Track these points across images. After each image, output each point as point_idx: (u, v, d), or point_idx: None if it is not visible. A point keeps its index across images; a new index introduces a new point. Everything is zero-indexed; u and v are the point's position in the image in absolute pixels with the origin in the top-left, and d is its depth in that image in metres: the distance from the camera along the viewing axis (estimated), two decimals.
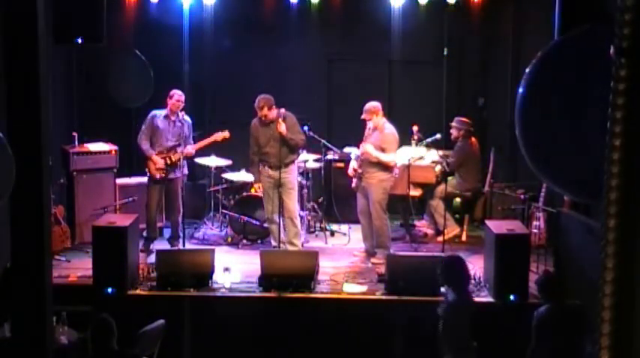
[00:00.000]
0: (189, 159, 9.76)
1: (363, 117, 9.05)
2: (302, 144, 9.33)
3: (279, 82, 10.58)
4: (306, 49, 11.21)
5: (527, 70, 3.22)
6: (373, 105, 9.05)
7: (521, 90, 3.20)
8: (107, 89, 10.40)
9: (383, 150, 8.98)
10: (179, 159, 9.39)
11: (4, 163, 4.15)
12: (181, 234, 9.41)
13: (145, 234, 9.48)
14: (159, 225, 9.81)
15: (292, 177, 9.27)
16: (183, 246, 9.28)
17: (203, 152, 10.35)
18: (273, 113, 9.09)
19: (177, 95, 9.32)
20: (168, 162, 9.34)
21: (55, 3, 7.31)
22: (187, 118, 9.49)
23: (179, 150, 9.35)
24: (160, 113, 9.39)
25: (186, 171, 9.62)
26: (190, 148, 9.47)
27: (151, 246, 9.32)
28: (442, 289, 7.02)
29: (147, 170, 9.45)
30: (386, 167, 9.02)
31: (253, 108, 9.13)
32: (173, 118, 9.37)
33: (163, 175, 9.35)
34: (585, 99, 2.95)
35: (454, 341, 6.38)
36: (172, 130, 9.40)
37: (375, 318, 7.91)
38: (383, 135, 9.02)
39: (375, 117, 9.01)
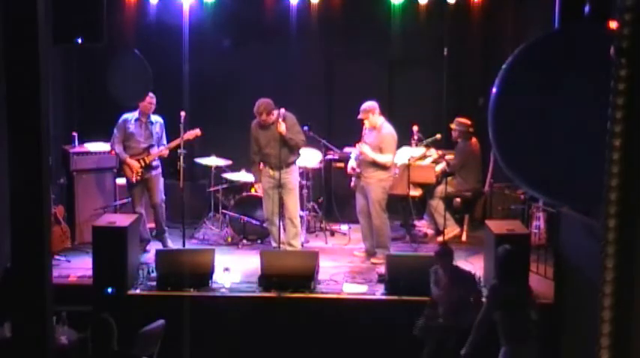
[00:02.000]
0: (163, 158, 9.67)
1: (359, 117, 9.06)
2: (302, 145, 9.33)
3: (279, 81, 10.57)
4: (306, 49, 11.21)
5: (503, 68, 3.16)
6: (369, 104, 9.06)
7: (495, 89, 3.14)
8: (107, 89, 10.39)
9: (380, 149, 8.98)
10: (153, 160, 9.42)
11: None
12: (166, 228, 9.48)
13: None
14: (149, 225, 9.80)
15: (293, 177, 9.27)
16: (183, 246, 9.28)
17: (203, 152, 10.36)
18: (272, 116, 9.10)
19: (149, 97, 9.35)
20: (143, 164, 9.36)
21: (55, 3, 7.29)
22: (159, 118, 9.53)
23: (152, 151, 9.38)
24: (130, 116, 9.43)
25: (160, 169, 9.59)
26: (164, 149, 9.48)
27: (147, 247, 9.34)
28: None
29: (123, 174, 9.48)
30: (384, 168, 9.03)
31: (253, 108, 9.13)
32: (144, 120, 9.41)
33: (139, 178, 9.37)
34: (560, 100, 2.92)
35: (509, 333, 6.44)
36: (144, 133, 9.44)
37: (375, 318, 7.90)
38: (381, 135, 9.02)
39: (372, 117, 9.02)
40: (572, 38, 3.05)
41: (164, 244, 9.41)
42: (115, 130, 9.46)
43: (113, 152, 9.90)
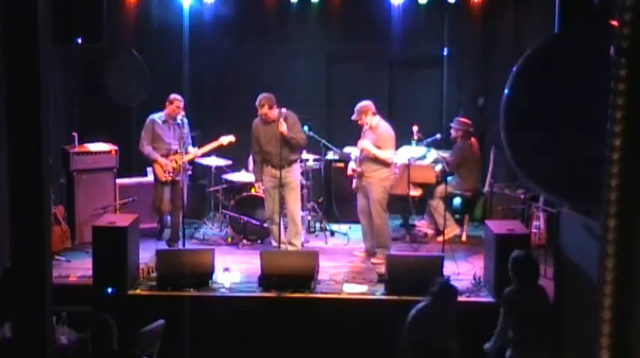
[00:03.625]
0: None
1: (353, 118, 9.02)
2: (303, 144, 9.32)
3: (279, 81, 10.58)
4: (306, 49, 11.21)
5: (514, 70, 3.18)
6: (362, 105, 9.02)
7: (506, 91, 3.15)
8: (105, 89, 10.40)
9: (379, 148, 8.98)
10: (185, 163, 9.43)
11: None
12: (180, 235, 9.42)
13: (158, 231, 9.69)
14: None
15: (295, 176, 9.28)
16: (183, 246, 9.28)
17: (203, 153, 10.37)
18: (274, 112, 9.08)
19: (178, 101, 9.32)
20: (175, 165, 9.35)
21: (55, 3, 7.30)
22: (184, 118, 9.49)
23: (183, 152, 9.36)
24: (158, 117, 9.38)
25: (190, 172, 9.70)
26: (196, 152, 9.53)
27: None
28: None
29: (153, 171, 9.47)
30: (385, 164, 9.02)
31: (253, 107, 9.12)
32: (171, 122, 9.38)
33: (170, 178, 9.36)
34: (571, 100, 2.93)
35: (519, 337, 6.44)
36: (173, 134, 9.42)
37: (375, 318, 7.90)
38: (377, 134, 9.01)
39: (365, 117, 8.99)
40: (582, 39, 3.05)
41: None
42: (143, 132, 9.40)
43: (112, 151, 9.92)
